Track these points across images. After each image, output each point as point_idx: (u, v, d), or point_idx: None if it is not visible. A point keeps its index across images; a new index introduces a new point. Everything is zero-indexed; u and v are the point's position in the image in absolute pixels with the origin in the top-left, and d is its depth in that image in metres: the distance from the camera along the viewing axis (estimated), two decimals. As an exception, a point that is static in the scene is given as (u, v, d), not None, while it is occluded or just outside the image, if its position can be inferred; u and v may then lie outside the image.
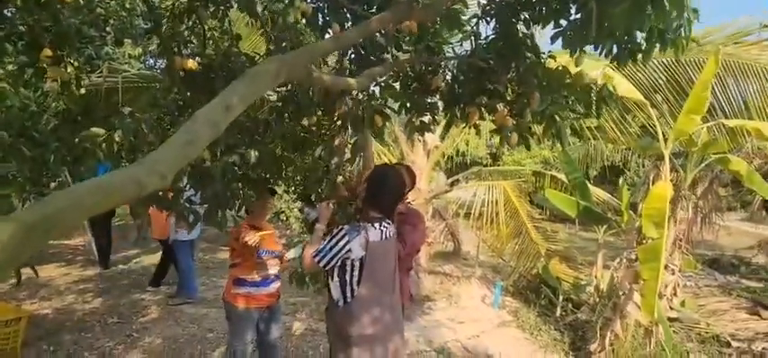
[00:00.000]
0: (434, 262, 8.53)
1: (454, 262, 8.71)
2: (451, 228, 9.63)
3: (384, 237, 2.08)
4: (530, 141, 2.21)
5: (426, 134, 6.70)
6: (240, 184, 2.26)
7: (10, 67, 2.14)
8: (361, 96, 2.29)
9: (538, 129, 2.18)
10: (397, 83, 2.41)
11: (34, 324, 4.21)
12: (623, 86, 3.99)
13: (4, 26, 1.78)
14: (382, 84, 2.34)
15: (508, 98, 2.13)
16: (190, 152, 0.89)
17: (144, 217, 6.31)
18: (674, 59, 4.54)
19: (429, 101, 2.39)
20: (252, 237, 2.69)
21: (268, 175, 2.57)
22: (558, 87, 2.02)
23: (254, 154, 2.20)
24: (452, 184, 7.45)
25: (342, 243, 1.99)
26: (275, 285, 2.99)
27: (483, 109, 2.13)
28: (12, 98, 2.00)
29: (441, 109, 2.42)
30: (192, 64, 1.96)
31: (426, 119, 2.49)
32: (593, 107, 2.07)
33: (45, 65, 1.77)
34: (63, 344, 3.85)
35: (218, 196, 2.04)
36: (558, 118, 2.06)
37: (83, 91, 2.05)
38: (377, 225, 2.07)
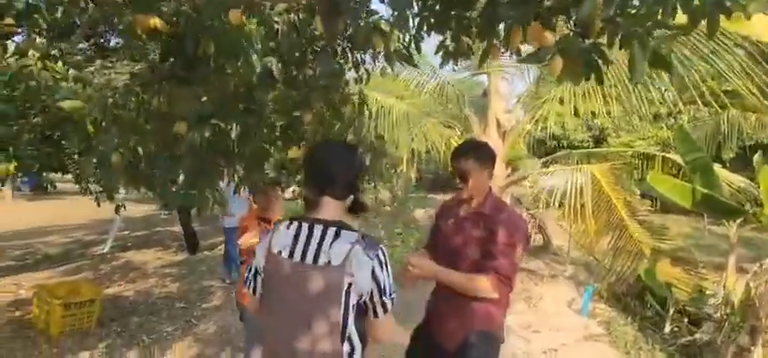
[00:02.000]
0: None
1: (542, 257, 7.74)
2: (539, 220, 8.62)
3: (296, 245, 1.25)
4: (600, 71, 1.35)
5: (501, 111, 5.86)
6: (222, 161, 1.97)
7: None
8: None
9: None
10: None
11: (114, 305, 4.59)
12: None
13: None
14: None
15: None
16: None
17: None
18: None
19: (456, 14, 1.73)
20: (245, 239, 2.42)
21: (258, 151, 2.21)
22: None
23: (235, 126, 1.90)
24: (545, 165, 6.48)
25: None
26: None
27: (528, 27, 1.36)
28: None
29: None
30: (156, 22, 1.68)
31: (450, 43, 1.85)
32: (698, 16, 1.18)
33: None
34: (130, 325, 4.08)
35: (191, 173, 1.77)
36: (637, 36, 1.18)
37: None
38: (292, 225, 1.31)
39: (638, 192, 5.69)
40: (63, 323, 3.74)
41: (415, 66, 2.53)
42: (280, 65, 2.01)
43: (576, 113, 6.19)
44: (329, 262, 1.21)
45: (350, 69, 2.31)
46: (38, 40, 1.94)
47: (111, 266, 6.21)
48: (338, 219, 1.29)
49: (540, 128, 6.18)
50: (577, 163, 5.96)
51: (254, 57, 1.88)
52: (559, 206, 5.50)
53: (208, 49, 1.73)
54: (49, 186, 3.76)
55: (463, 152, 1.92)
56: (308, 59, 2.12)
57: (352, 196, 1.33)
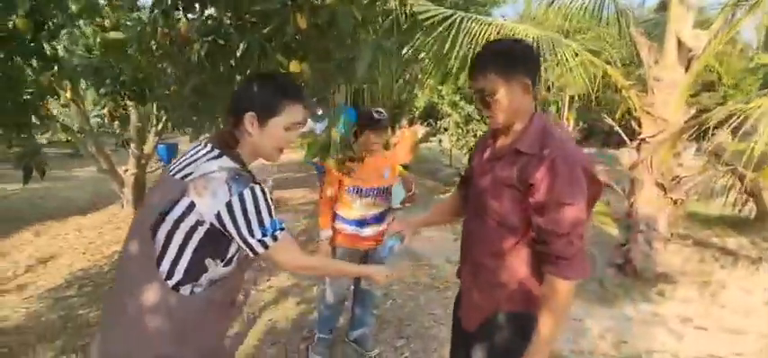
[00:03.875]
0: (708, 229, 5.82)
1: (750, 234, 5.67)
2: (750, 185, 6.25)
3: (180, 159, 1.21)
4: None
5: (687, 27, 4.36)
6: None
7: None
8: None
9: None
10: None
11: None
12: None
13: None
14: None
15: None
16: None
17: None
18: None
19: None
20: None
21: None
22: None
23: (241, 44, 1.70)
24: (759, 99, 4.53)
25: None
26: (366, 230, 2.47)
27: None
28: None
29: None
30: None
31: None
32: None
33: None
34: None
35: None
36: None
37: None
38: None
39: None
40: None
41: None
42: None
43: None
44: (185, 177, 1.10)
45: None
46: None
47: (265, 200, 7.17)
48: (232, 147, 1.18)
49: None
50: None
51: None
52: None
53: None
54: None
55: (480, 63, 1.30)
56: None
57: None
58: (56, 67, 2.08)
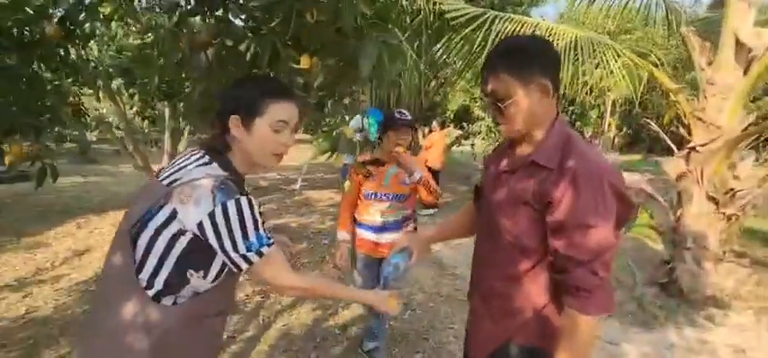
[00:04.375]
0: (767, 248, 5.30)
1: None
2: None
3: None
4: None
5: (746, 25, 4.01)
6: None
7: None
8: None
9: None
10: None
11: (277, 230, 5.27)
12: None
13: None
14: None
15: None
16: None
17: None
18: None
19: None
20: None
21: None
22: None
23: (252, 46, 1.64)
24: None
25: None
26: (384, 236, 2.37)
27: None
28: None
29: None
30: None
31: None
32: None
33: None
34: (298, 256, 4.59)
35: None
36: None
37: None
38: None
39: None
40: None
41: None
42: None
43: None
44: (172, 183, 1.03)
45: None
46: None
47: (294, 201, 7.21)
48: (223, 154, 1.12)
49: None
50: None
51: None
52: None
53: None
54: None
55: (490, 64, 1.15)
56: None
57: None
58: (79, 74, 2.11)
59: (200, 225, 0.99)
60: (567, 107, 9.00)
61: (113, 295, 1.05)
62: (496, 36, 3.78)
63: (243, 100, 1.09)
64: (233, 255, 1.03)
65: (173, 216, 1.00)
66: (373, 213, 2.35)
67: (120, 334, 1.03)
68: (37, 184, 1.75)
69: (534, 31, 3.88)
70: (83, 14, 2.05)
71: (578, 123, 9.52)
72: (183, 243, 1.01)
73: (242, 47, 1.65)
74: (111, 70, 3.03)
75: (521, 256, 1.17)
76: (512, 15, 4.01)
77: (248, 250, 1.04)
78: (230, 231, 1.01)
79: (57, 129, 2.26)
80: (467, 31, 3.79)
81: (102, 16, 2.08)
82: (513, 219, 1.17)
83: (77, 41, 2.06)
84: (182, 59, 1.71)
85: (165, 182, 1.04)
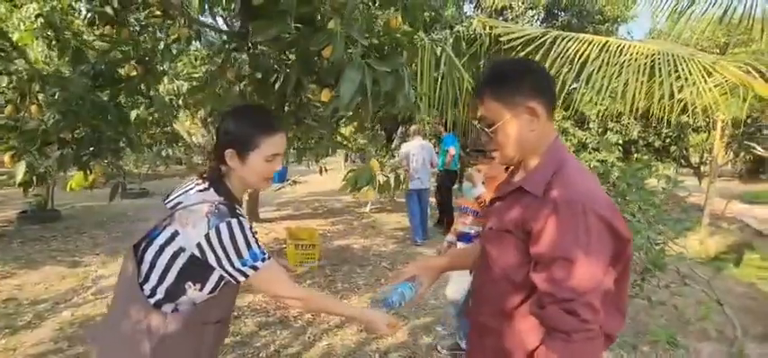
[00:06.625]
0: None
1: None
2: None
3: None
4: None
5: None
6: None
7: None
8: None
9: None
10: None
11: (340, 252, 5.46)
12: None
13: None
14: None
15: None
16: None
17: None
18: None
19: None
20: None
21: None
22: None
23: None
24: None
25: None
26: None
27: None
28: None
29: None
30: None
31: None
32: None
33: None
34: (338, 271, 4.74)
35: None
36: None
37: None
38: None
39: None
40: (295, 257, 4.75)
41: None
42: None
43: None
44: (175, 206, 1.18)
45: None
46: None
47: (362, 223, 7.41)
48: (220, 181, 1.25)
49: None
50: None
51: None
52: None
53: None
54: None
55: (477, 90, 1.13)
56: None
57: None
58: (151, 104, 2.49)
59: (198, 246, 1.13)
60: (658, 129, 8.06)
61: (123, 301, 1.22)
62: (557, 57, 3.59)
63: (238, 135, 1.21)
64: (230, 270, 1.16)
65: (173, 236, 1.15)
66: (463, 225, 2.72)
67: (126, 336, 1.18)
68: (110, 198, 2.09)
69: (601, 49, 3.61)
70: (158, 56, 2.43)
71: (673, 148, 8.44)
72: (183, 258, 1.16)
73: (271, 79, 1.83)
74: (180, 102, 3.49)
75: (511, 290, 1.11)
76: (577, 34, 3.79)
77: (243, 265, 1.16)
78: (225, 250, 1.14)
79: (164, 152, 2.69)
80: (524, 53, 3.66)
81: (172, 54, 2.44)
82: (498, 248, 1.12)
83: (153, 80, 2.45)
84: (224, 89, 1.92)
85: (170, 204, 1.20)
